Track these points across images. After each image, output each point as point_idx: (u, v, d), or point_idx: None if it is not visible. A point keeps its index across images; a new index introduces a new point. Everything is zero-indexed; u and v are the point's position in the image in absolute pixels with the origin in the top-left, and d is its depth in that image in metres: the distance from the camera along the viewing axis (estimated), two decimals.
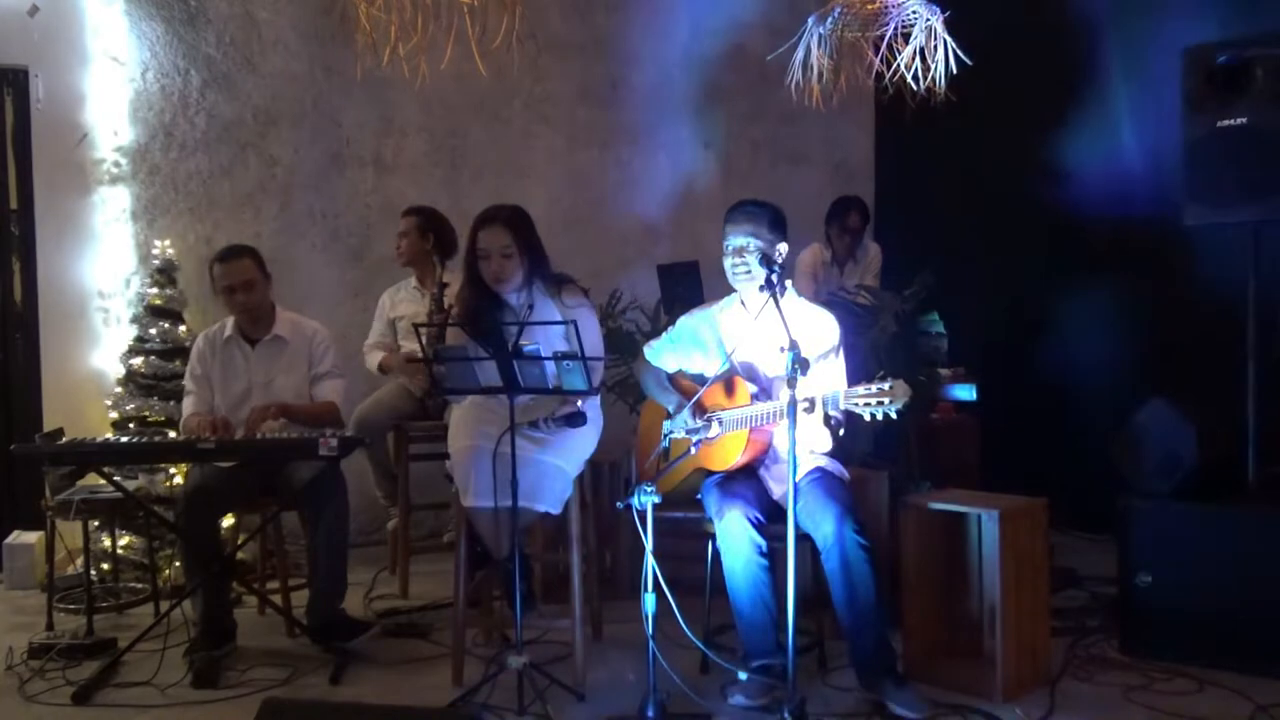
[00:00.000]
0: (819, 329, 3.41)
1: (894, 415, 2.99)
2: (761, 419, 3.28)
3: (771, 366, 3.35)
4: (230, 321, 4.09)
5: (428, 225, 4.80)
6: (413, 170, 5.72)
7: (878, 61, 4.25)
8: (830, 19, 4.19)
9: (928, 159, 5.89)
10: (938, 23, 4.11)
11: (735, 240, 3.40)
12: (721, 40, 6.26)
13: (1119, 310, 5.06)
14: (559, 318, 3.40)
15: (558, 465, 3.40)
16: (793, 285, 3.41)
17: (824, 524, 3.20)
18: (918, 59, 4.08)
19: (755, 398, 3.35)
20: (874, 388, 2.99)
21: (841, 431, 3.21)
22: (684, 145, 6.23)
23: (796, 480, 3.33)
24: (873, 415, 3.02)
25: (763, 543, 3.23)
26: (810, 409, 3.07)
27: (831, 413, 3.08)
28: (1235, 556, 3.47)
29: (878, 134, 6.50)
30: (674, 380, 3.62)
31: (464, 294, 3.62)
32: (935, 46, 4.08)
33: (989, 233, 5.60)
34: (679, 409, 3.43)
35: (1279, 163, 3.51)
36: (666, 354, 3.66)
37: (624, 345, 4.60)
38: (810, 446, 3.32)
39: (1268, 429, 3.67)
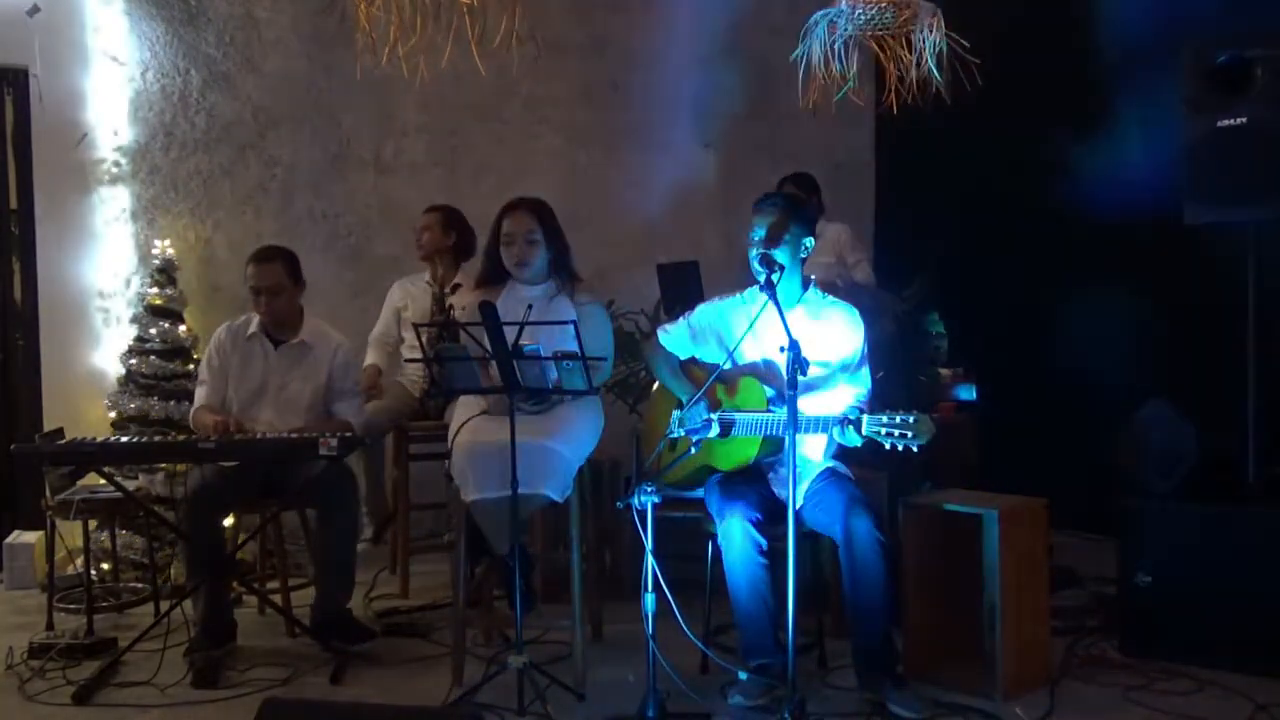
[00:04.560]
0: (845, 330, 3.39)
1: (914, 450, 2.99)
2: (775, 426, 3.25)
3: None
4: (255, 318, 4.06)
5: (450, 222, 4.84)
6: (413, 170, 5.71)
7: (879, 61, 4.25)
8: (832, 18, 4.19)
9: (928, 159, 5.89)
10: (939, 22, 4.11)
11: (759, 231, 3.34)
12: (721, 40, 6.26)
13: (1119, 310, 5.05)
14: (571, 314, 3.40)
15: (561, 452, 3.37)
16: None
17: (840, 520, 3.19)
18: (918, 58, 4.08)
19: (771, 402, 3.31)
20: (897, 418, 2.99)
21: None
22: (684, 145, 6.22)
23: (809, 483, 3.34)
24: (893, 445, 3.01)
25: (764, 543, 3.22)
26: (856, 425, 3.07)
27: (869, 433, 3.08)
28: (1235, 556, 3.47)
29: (878, 134, 6.50)
30: (685, 369, 3.58)
31: (482, 280, 3.65)
32: (936, 46, 4.08)
33: (989, 233, 5.59)
34: (692, 400, 3.37)
35: (1279, 163, 3.51)
36: (682, 340, 3.59)
37: (624, 345, 4.60)
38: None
39: (1268, 429, 3.66)
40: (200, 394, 4.06)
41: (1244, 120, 3.56)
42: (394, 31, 3.57)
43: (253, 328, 4.05)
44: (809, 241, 3.41)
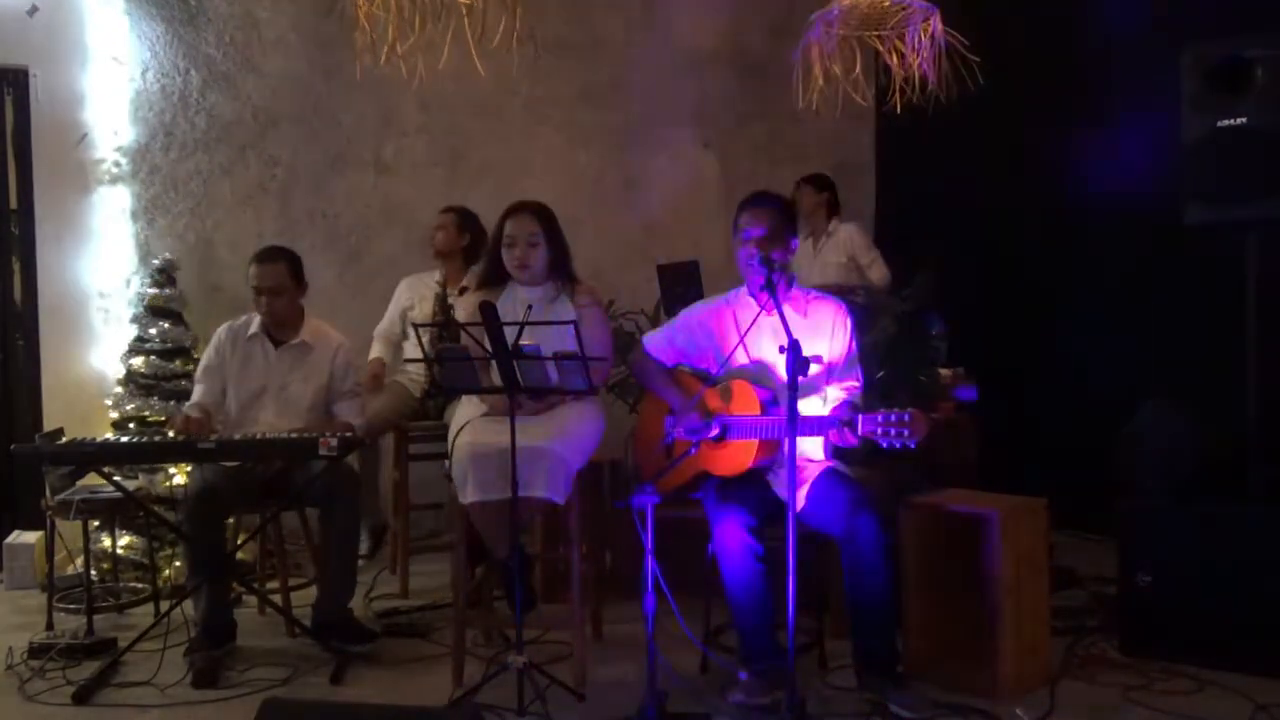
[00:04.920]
0: (833, 324, 3.39)
1: (911, 446, 2.98)
2: (772, 430, 3.24)
3: (783, 366, 3.31)
4: (256, 319, 4.06)
5: (465, 224, 4.87)
6: (413, 170, 5.72)
7: (879, 60, 4.25)
8: (832, 18, 4.20)
9: (928, 159, 5.89)
10: (938, 21, 4.12)
11: (755, 231, 3.34)
12: (721, 40, 6.26)
13: (1119, 310, 5.06)
14: (571, 315, 3.40)
15: (561, 454, 3.36)
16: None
17: (844, 520, 3.18)
18: (918, 58, 4.09)
19: (765, 404, 3.30)
20: (892, 416, 2.99)
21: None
22: (684, 145, 6.23)
23: (810, 483, 3.34)
24: (890, 445, 3.01)
25: (760, 548, 3.20)
26: (852, 426, 3.07)
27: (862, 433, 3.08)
28: (1235, 556, 3.47)
29: (878, 134, 6.50)
30: (674, 376, 3.56)
31: (483, 281, 3.66)
32: (935, 45, 4.08)
33: (989, 232, 5.60)
34: (683, 408, 3.38)
35: (1279, 163, 3.51)
36: (668, 347, 3.58)
37: (623, 345, 4.59)
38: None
39: (1268, 429, 3.66)
40: (195, 393, 4.07)
41: (1244, 120, 3.56)
42: (393, 31, 3.57)
43: (253, 328, 4.05)
44: (795, 241, 3.45)
